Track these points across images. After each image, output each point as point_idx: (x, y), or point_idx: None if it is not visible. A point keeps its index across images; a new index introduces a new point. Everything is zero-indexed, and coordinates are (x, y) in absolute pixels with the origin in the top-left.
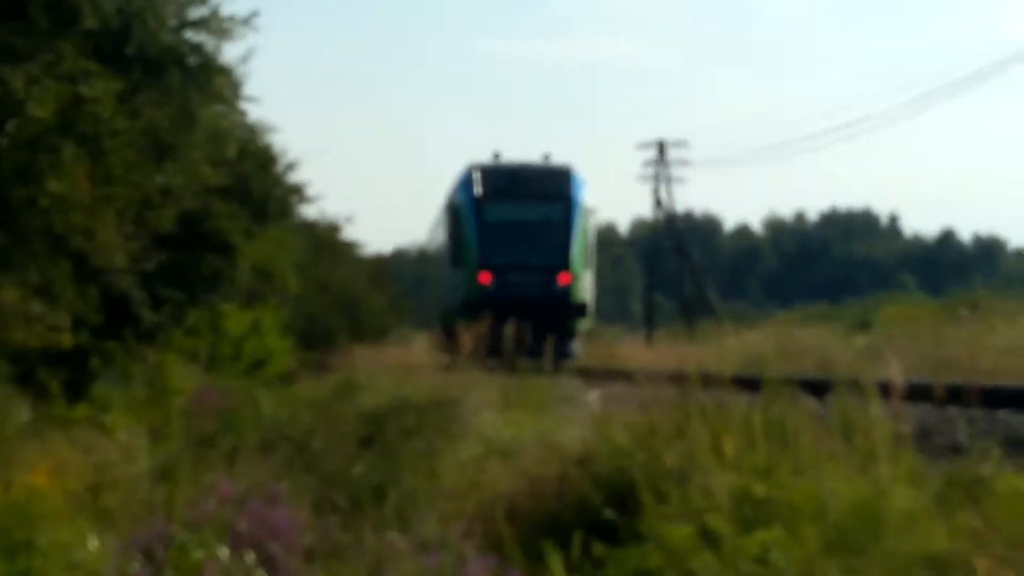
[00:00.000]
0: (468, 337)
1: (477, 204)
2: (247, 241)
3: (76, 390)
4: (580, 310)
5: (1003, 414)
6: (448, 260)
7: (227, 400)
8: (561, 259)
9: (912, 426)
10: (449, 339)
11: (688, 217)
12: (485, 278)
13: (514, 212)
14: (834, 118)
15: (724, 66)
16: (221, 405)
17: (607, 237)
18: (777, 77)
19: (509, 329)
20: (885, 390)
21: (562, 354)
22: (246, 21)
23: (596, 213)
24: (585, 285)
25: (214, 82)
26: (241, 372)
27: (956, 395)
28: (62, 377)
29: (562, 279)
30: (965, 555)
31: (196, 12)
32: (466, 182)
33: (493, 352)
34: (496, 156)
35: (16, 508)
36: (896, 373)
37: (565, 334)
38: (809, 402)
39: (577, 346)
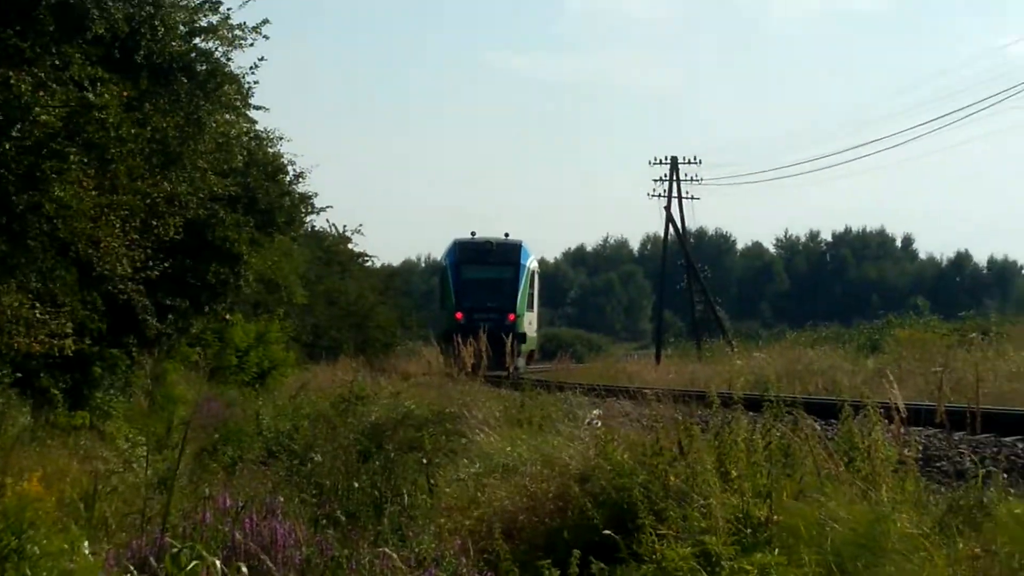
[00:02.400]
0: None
1: (456, 267)
2: (253, 251)
3: (77, 397)
4: (523, 337)
5: (1010, 440)
6: (439, 302)
7: (229, 411)
8: (510, 304)
9: (918, 450)
10: (443, 355)
11: (700, 235)
12: (460, 316)
13: (480, 272)
14: (849, 138)
15: (737, 85)
16: (223, 416)
17: (618, 253)
18: (792, 96)
19: (476, 347)
20: (890, 413)
21: (514, 366)
22: (256, 29)
23: (538, 271)
24: (526, 321)
25: (223, 90)
26: (245, 382)
27: (962, 419)
28: (64, 384)
29: (510, 317)
30: None
31: (206, 19)
32: (451, 251)
33: (465, 362)
34: (473, 233)
35: (7, 515)
36: (897, 397)
37: (516, 353)
38: (813, 424)
39: (522, 361)
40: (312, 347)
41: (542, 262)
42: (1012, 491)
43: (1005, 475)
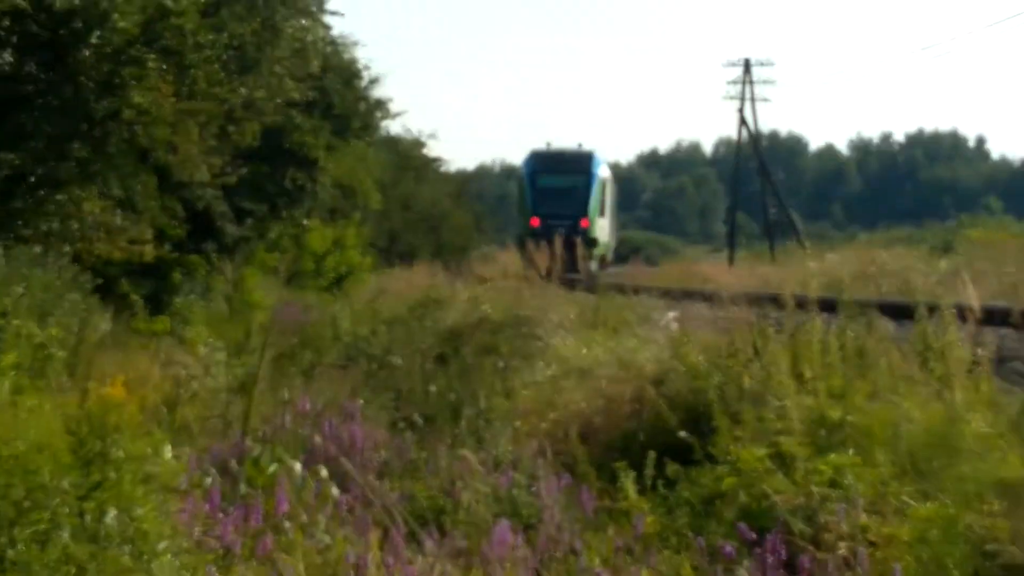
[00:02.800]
0: (532, 258)
1: (533, 176)
2: (329, 156)
3: (157, 303)
4: (594, 242)
5: None
6: (518, 208)
7: (307, 316)
8: (582, 211)
9: (992, 351)
10: (522, 257)
11: (773, 137)
12: (535, 222)
13: (555, 181)
14: (921, 39)
15: None
16: (301, 321)
17: (691, 156)
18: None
19: (551, 251)
20: (965, 314)
21: (585, 270)
22: None
23: (610, 179)
24: (598, 227)
25: None
26: (323, 287)
27: None
28: (144, 290)
29: (583, 223)
30: None
31: None
32: (528, 161)
33: (539, 266)
34: (548, 144)
35: (92, 419)
36: (972, 297)
37: (585, 258)
38: (887, 325)
39: (595, 264)
40: (388, 252)
41: (615, 166)
42: None
43: None
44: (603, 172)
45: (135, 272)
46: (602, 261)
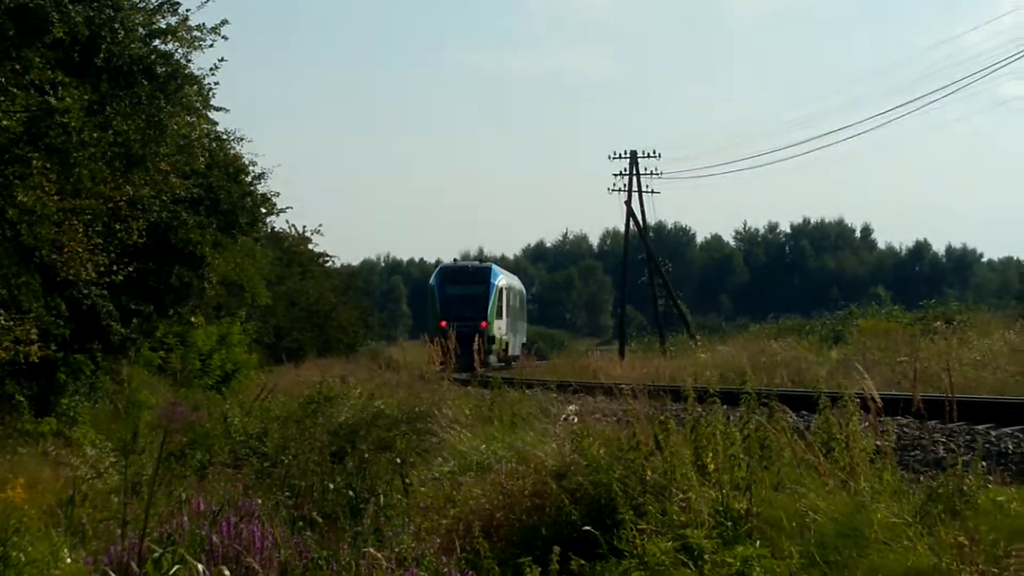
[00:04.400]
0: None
1: (441, 286)
2: (216, 253)
3: (43, 404)
4: (492, 339)
5: (982, 428)
6: (430, 311)
7: (196, 415)
8: (481, 315)
9: (893, 440)
10: (430, 351)
11: (660, 228)
12: (443, 324)
13: (460, 290)
14: (806, 130)
15: (694, 79)
16: (190, 419)
17: (578, 249)
18: (746, 90)
19: (453, 346)
20: (863, 404)
21: (485, 363)
22: (215, 29)
23: (508, 287)
24: (495, 327)
25: (183, 92)
26: (209, 385)
27: (935, 408)
28: (29, 391)
29: (482, 324)
30: (949, 570)
31: (165, 21)
32: (437, 273)
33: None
34: (455, 260)
35: None
36: (871, 387)
37: (485, 352)
38: (788, 416)
39: (493, 358)
40: (274, 348)
41: (500, 259)
42: (991, 478)
43: (984, 463)
44: (500, 282)
45: (20, 372)
46: (501, 355)
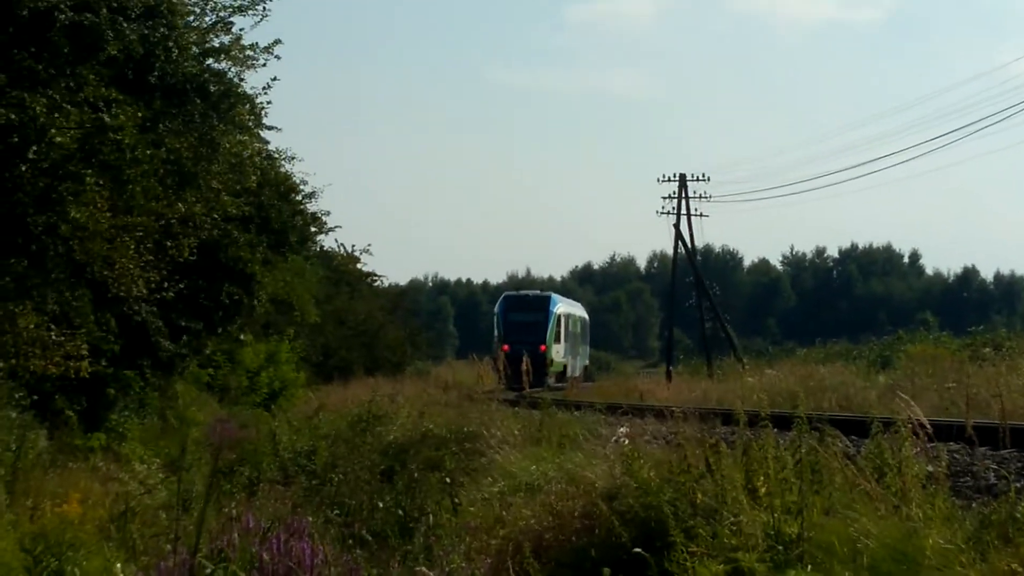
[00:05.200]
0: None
1: (504, 314)
2: (265, 271)
3: (92, 419)
4: (551, 362)
5: None
6: (496, 336)
7: (244, 432)
8: (541, 339)
9: (945, 466)
10: (495, 371)
11: (707, 252)
12: (506, 348)
13: (521, 317)
14: (855, 155)
15: (743, 100)
16: (238, 436)
17: (625, 271)
18: (797, 112)
19: (516, 368)
20: (915, 430)
21: (542, 383)
22: (267, 49)
23: (566, 313)
24: (553, 351)
25: (236, 110)
26: (256, 403)
27: (985, 435)
28: (79, 406)
29: (541, 348)
30: None
31: (218, 40)
32: (502, 302)
33: (512, 377)
34: (518, 289)
35: (45, 537)
36: (919, 413)
37: (544, 373)
38: (839, 441)
39: (551, 379)
40: (322, 367)
41: (548, 281)
42: None
43: None
44: (559, 309)
45: (70, 388)
46: (559, 375)
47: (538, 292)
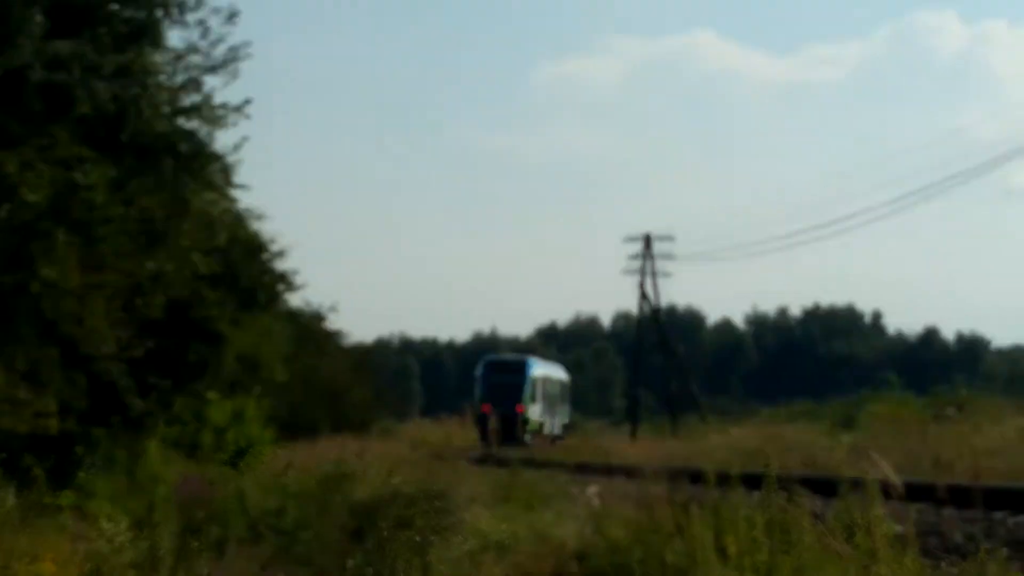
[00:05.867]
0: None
1: (485, 376)
2: (234, 329)
3: (60, 477)
4: (527, 421)
5: (1000, 515)
6: (476, 397)
7: (212, 489)
8: (518, 400)
9: (914, 526)
10: (477, 430)
11: (671, 311)
12: (486, 408)
13: (501, 379)
14: (817, 215)
15: (703, 162)
16: (206, 494)
17: (589, 330)
18: (758, 173)
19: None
20: (887, 490)
21: (522, 441)
22: (238, 108)
23: (544, 376)
24: (529, 411)
25: (207, 169)
26: (223, 461)
27: (952, 495)
28: (47, 464)
29: (519, 409)
30: None
31: (189, 99)
32: (483, 365)
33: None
34: (498, 352)
35: None
36: (891, 473)
37: (520, 432)
38: (809, 501)
39: (528, 438)
40: (288, 425)
41: (513, 340)
42: (1016, 566)
43: (1005, 549)
44: (536, 372)
45: (38, 445)
46: (536, 434)
47: (517, 356)
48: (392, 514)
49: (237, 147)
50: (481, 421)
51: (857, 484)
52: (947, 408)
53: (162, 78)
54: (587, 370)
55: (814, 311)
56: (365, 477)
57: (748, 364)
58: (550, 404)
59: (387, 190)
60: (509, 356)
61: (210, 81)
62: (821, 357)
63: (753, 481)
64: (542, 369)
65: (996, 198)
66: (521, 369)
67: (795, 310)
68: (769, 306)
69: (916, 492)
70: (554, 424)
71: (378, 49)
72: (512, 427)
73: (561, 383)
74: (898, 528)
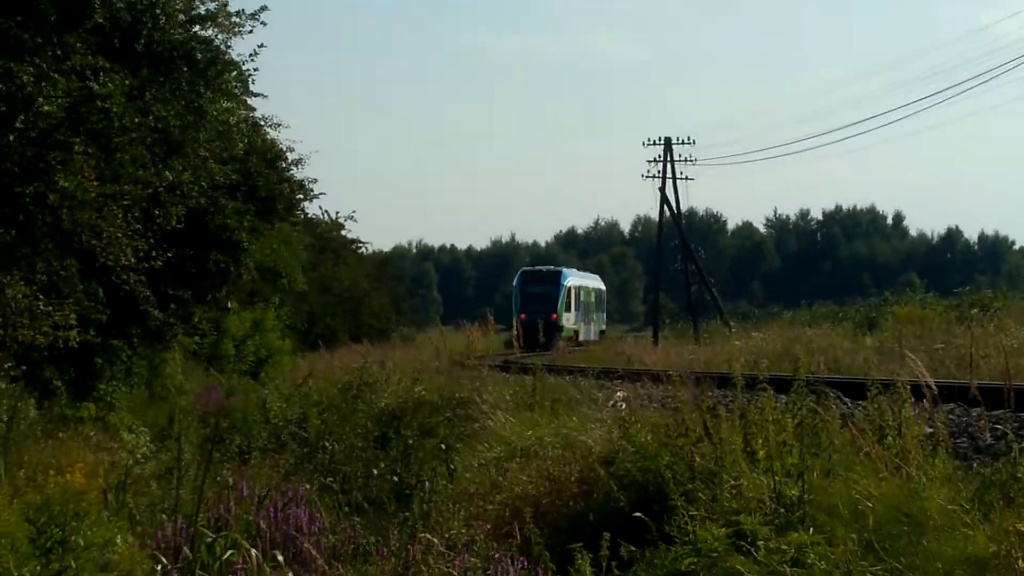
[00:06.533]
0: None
1: (521, 286)
2: (252, 238)
3: (81, 389)
4: (561, 328)
5: None
6: (514, 307)
7: (232, 399)
8: (552, 309)
9: (944, 427)
10: (514, 336)
11: (691, 215)
12: (523, 316)
13: (536, 289)
14: (838, 117)
15: (724, 64)
16: (227, 404)
17: (609, 236)
18: (781, 73)
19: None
20: (912, 391)
21: (545, 348)
22: (254, 15)
23: (577, 286)
24: (563, 319)
25: (223, 78)
26: (243, 371)
27: (982, 395)
28: (67, 376)
29: (552, 317)
30: (1008, 557)
31: (204, 7)
32: (519, 276)
33: (527, 342)
34: (532, 263)
35: (48, 507)
36: (924, 373)
37: (555, 337)
38: (838, 403)
39: (562, 343)
40: (307, 335)
41: (532, 246)
42: None
43: None
44: (569, 282)
45: (58, 358)
46: (570, 340)
47: (551, 267)
48: (416, 422)
49: (253, 55)
50: (524, 327)
51: (886, 386)
52: (971, 309)
53: None
54: (607, 276)
55: (835, 213)
56: (388, 385)
57: (769, 267)
58: (585, 312)
59: (406, 97)
60: (544, 267)
61: None
62: (842, 259)
63: (779, 384)
64: (576, 279)
65: (1020, 97)
66: (555, 279)
67: (816, 212)
68: (790, 209)
69: (945, 393)
70: (589, 331)
71: None
72: (546, 333)
73: (597, 292)
74: (928, 429)
